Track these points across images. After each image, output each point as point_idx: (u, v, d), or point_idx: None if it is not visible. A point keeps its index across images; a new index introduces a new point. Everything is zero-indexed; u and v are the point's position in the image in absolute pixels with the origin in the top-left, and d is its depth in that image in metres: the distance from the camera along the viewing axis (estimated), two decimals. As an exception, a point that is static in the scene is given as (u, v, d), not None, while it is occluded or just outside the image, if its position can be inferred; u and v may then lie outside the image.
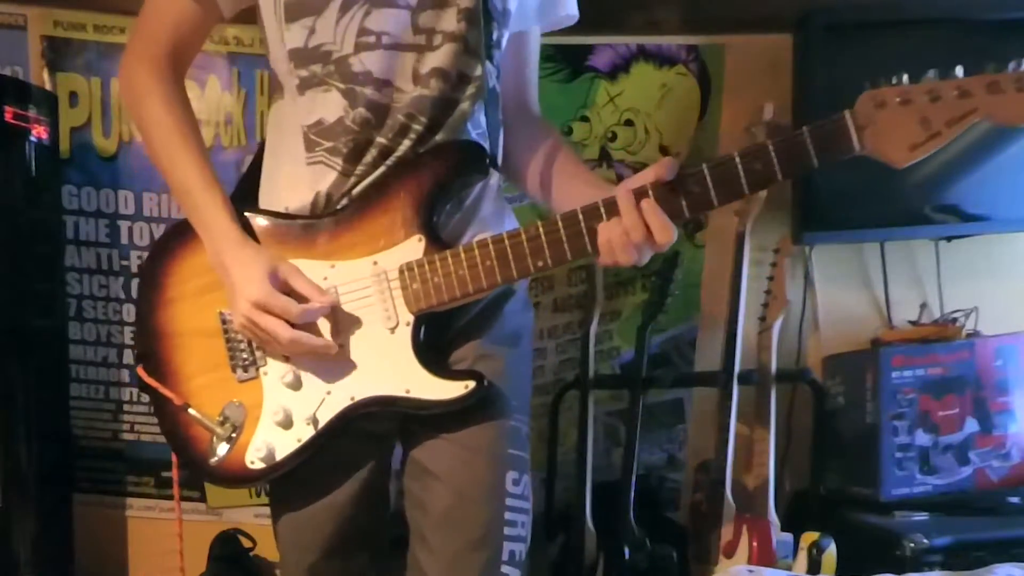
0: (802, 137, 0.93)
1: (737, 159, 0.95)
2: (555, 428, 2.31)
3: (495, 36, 1.08)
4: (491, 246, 1.03)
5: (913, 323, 2.27)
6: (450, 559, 1.06)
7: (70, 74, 2.22)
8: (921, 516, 1.96)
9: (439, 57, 1.05)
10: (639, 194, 0.97)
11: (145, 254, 2.25)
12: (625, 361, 2.37)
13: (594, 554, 2.13)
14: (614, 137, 2.32)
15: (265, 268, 1.02)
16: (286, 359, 1.07)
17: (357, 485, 1.14)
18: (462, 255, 1.03)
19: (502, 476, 1.07)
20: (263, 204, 1.14)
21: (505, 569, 1.07)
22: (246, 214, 1.10)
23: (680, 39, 2.29)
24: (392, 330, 1.05)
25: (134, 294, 2.25)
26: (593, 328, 2.24)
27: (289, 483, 1.12)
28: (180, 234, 1.12)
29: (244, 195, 1.17)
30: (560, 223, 1.00)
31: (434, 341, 1.08)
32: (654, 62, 2.31)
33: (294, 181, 1.10)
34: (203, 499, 2.30)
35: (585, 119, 2.32)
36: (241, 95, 2.24)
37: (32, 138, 1.99)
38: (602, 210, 0.99)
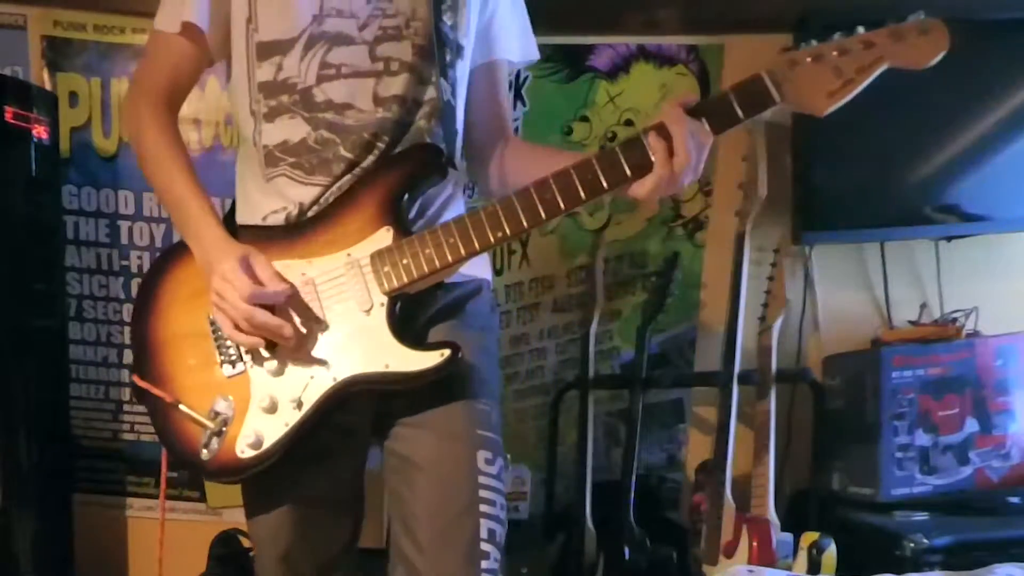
0: (727, 97, 1.09)
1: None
2: (555, 428, 2.31)
3: (448, 59, 1.19)
4: (453, 225, 1.12)
5: (913, 323, 2.27)
6: (433, 541, 1.11)
7: (70, 74, 2.23)
8: (921, 516, 1.96)
9: (397, 84, 1.17)
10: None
11: (145, 254, 2.26)
12: (625, 361, 2.37)
13: (594, 554, 2.13)
14: (614, 137, 2.32)
15: (238, 252, 1.10)
16: (271, 349, 1.12)
17: (329, 477, 1.20)
18: (427, 237, 1.12)
19: (474, 455, 1.13)
20: (241, 221, 1.24)
21: (485, 547, 1.10)
22: (232, 229, 1.19)
23: (680, 39, 2.29)
24: (368, 312, 1.12)
25: (134, 294, 2.27)
26: (593, 328, 2.24)
27: (261, 477, 1.15)
28: (173, 253, 1.23)
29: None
30: (515, 199, 1.11)
31: (408, 324, 1.15)
32: (654, 62, 2.31)
33: (263, 195, 1.20)
34: (203, 499, 2.30)
35: (585, 119, 2.32)
36: (241, 95, 2.24)
37: (32, 138, 1.99)
38: (551, 182, 1.08)
